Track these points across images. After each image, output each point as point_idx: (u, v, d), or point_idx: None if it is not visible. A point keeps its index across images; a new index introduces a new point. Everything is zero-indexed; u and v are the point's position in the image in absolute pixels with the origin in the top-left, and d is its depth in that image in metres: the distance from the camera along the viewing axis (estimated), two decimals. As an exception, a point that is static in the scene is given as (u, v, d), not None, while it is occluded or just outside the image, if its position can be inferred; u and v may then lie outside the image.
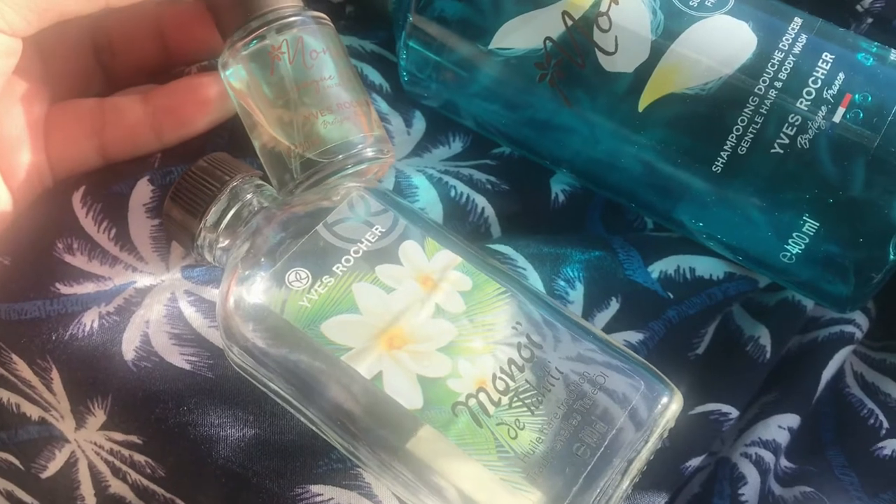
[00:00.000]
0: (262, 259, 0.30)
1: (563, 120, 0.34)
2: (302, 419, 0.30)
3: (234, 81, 0.34)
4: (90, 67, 0.38)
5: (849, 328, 0.38)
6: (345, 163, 0.33)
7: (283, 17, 0.33)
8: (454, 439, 0.27)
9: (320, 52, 0.34)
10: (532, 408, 0.28)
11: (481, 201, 0.38)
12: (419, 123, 0.40)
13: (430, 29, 0.35)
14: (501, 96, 0.35)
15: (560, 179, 0.39)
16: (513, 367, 0.28)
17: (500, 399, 0.28)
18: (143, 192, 0.35)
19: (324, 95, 0.33)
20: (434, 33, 0.35)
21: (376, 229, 0.31)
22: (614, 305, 0.35)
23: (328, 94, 0.33)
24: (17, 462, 0.36)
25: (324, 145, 0.33)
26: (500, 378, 0.28)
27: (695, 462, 0.35)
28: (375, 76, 0.40)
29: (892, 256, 0.30)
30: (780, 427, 0.36)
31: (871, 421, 0.37)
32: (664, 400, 0.28)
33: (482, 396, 0.28)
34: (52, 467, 0.35)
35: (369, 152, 0.33)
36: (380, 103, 0.40)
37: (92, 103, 0.36)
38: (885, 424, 0.37)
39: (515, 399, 0.28)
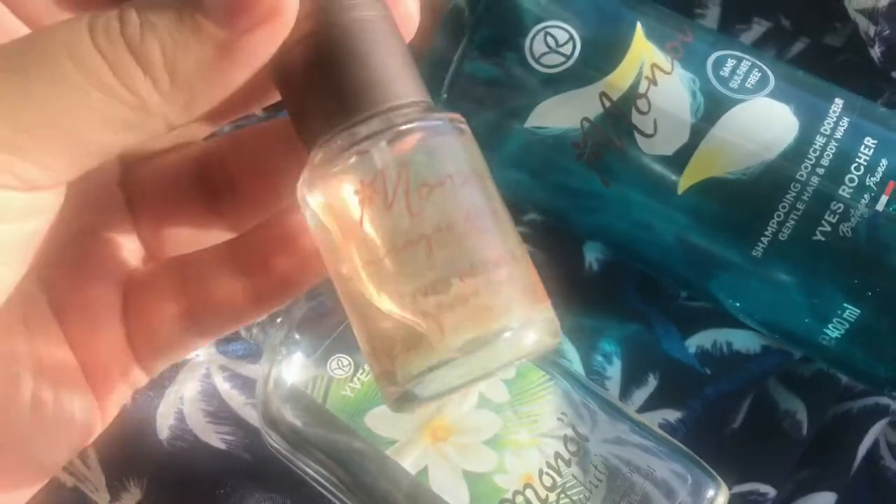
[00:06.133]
0: (306, 342, 0.30)
1: (599, 197, 0.34)
2: (342, 508, 0.30)
3: (318, 212, 0.21)
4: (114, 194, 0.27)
5: (884, 400, 0.38)
6: (501, 357, 0.20)
7: (399, 123, 0.20)
8: (502, 538, 0.27)
9: (456, 177, 0.21)
10: (579, 504, 0.27)
11: (515, 271, 0.37)
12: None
13: (462, 106, 0.35)
14: (534, 169, 0.35)
15: (593, 248, 0.39)
16: (559, 461, 0.28)
17: (546, 496, 0.27)
18: None
19: (460, 246, 0.20)
20: (467, 110, 0.35)
21: (417, 314, 0.30)
22: (652, 382, 0.35)
23: (467, 245, 0.20)
24: None
25: (464, 329, 0.19)
26: (547, 473, 0.28)
27: (734, 543, 0.35)
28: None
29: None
30: (817, 506, 0.35)
31: (908, 496, 0.37)
32: (710, 493, 0.28)
33: (529, 493, 0.27)
34: None
35: (531, 336, 0.20)
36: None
37: (171, 280, 0.25)
38: (922, 500, 0.36)
39: (563, 496, 0.27)
